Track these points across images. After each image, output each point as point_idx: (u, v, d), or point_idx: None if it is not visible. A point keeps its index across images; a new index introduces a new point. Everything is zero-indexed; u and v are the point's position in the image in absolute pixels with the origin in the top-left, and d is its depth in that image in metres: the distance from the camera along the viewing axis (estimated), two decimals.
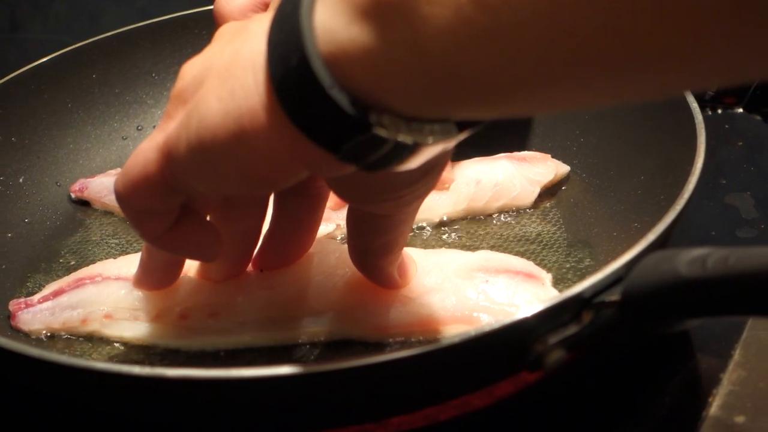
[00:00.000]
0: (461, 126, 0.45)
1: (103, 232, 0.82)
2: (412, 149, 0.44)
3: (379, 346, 0.64)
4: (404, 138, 0.43)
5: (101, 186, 0.84)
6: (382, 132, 0.43)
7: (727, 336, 0.66)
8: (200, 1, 0.96)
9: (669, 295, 0.51)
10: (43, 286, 0.73)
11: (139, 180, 0.52)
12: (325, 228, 0.73)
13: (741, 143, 0.90)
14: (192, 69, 0.50)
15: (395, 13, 0.39)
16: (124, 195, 0.53)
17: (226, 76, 0.47)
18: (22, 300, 0.71)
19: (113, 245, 0.80)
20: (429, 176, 0.52)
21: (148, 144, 0.52)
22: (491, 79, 0.39)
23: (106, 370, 0.55)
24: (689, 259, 0.50)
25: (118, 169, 0.86)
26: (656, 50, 0.34)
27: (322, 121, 0.43)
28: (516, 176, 0.78)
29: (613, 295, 0.54)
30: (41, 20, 1.36)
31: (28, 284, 0.76)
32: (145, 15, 1.11)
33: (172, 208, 0.54)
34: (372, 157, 0.44)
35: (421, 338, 0.64)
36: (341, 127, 0.43)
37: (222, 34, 0.52)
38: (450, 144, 0.46)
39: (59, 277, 0.75)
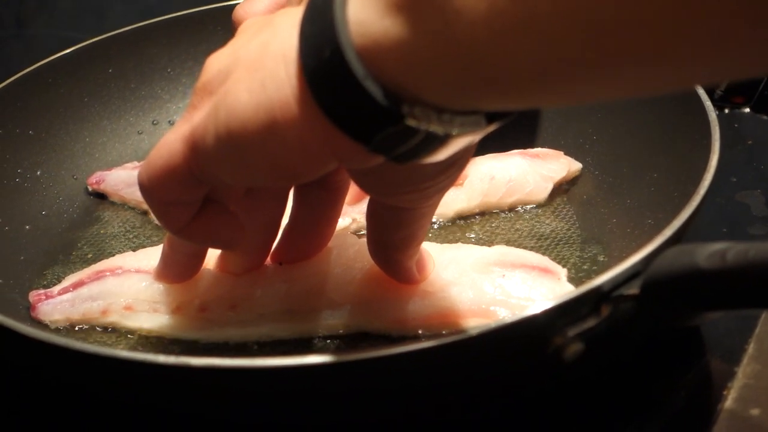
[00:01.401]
0: (490, 118, 0.45)
1: (120, 224, 0.83)
2: (441, 141, 0.45)
3: (396, 339, 0.65)
4: (435, 129, 0.44)
5: (118, 179, 0.85)
6: (413, 123, 0.43)
7: (741, 330, 0.66)
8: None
9: (689, 288, 0.52)
10: (61, 278, 0.74)
11: (163, 171, 0.52)
12: (341, 222, 0.74)
13: (750, 142, 0.90)
14: (218, 62, 0.51)
15: (428, 6, 0.39)
16: (148, 186, 0.54)
17: (256, 68, 0.47)
18: (42, 291, 0.71)
19: (130, 238, 0.81)
20: (452, 169, 0.53)
21: (172, 135, 0.52)
22: (524, 70, 0.39)
23: (131, 358, 0.56)
24: (709, 253, 0.51)
25: (135, 163, 0.87)
26: (690, 41, 0.35)
27: (354, 112, 0.44)
28: (529, 172, 0.79)
29: (632, 289, 0.55)
30: (47, 16, 1.36)
31: (46, 275, 0.76)
32: (149, 11, 1.11)
33: (196, 199, 0.55)
34: (402, 148, 0.45)
35: (438, 332, 0.64)
36: (373, 118, 0.44)
37: (246, 29, 0.53)
38: (478, 136, 0.47)
39: (77, 268, 0.76)
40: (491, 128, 0.46)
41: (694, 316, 0.54)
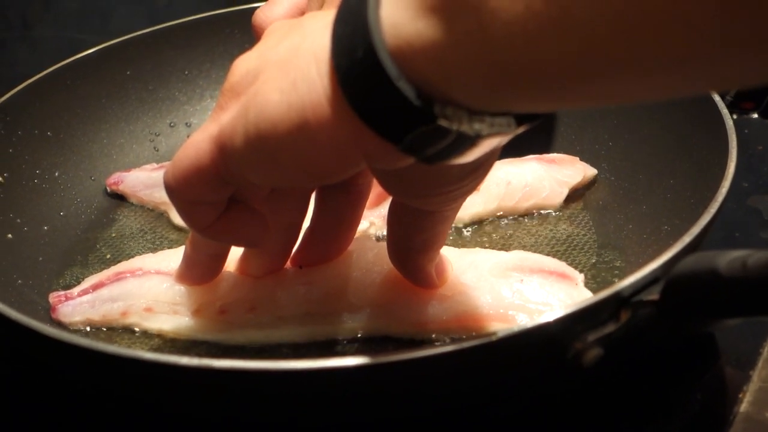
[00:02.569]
0: (520, 120, 0.46)
1: (137, 226, 0.83)
2: (471, 142, 0.45)
3: (415, 343, 0.65)
4: (466, 130, 0.44)
5: (136, 180, 0.85)
6: (445, 123, 0.44)
7: (755, 334, 0.67)
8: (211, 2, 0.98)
9: (708, 294, 0.52)
10: (80, 279, 0.75)
11: (190, 171, 0.53)
12: (359, 226, 0.74)
13: (761, 147, 0.91)
14: (245, 63, 0.51)
15: (463, 7, 0.40)
16: (174, 186, 0.54)
17: (287, 69, 0.47)
18: (62, 293, 0.72)
19: (148, 239, 0.81)
20: (478, 172, 0.53)
21: (200, 135, 0.53)
22: (558, 73, 0.39)
23: (154, 360, 0.56)
24: (729, 260, 0.51)
25: (154, 164, 0.87)
26: (725, 43, 0.35)
27: (386, 112, 0.44)
28: (545, 177, 0.80)
29: (652, 295, 0.55)
30: (53, 19, 1.36)
31: (65, 276, 0.77)
32: (155, 15, 1.12)
33: (222, 199, 0.55)
34: (432, 149, 0.45)
35: (456, 335, 0.65)
36: (406, 119, 0.44)
37: (273, 31, 0.53)
38: (507, 138, 0.47)
39: (96, 270, 0.77)
40: (521, 130, 0.46)
41: (714, 322, 0.55)
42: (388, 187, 0.55)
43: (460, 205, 0.59)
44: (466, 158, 0.47)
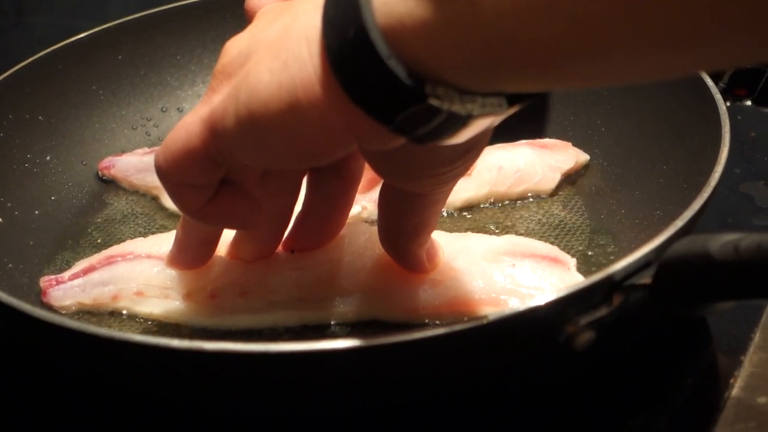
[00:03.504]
0: (511, 100, 0.46)
1: (128, 210, 0.83)
2: (462, 122, 0.45)
3: (407, 328, 0.65)
4: (457, 109, 0.44)
5: (128, 165, 0.85)
6: (436, 103, 0.43)
7: (747, 319, 0.67)
8: None
9: (701, 278, 0.52)
10: (71, 263, 0.74)
11: (181, 154, 0.53)
12: (351, 210, 0.74)
13: (753, 134, 0.91)
14: (237, 44, 0.51)
15: None
16: (165, 169, 0.54)
17: (278, 49, 0.47)
18: (52, 277, 0.71)
19: (140, 224, 0.81)
20: (469, 154, 0.53)
21: (191, 118, 0.52)
22: (549, 51, 0.39)
23: (144, 342, 0.55)
24: (721, 243, 0.51)
25: (146, 149, 0.87)
26: (716, 22, 0.35)
27: (377, 92, 0.44)
28: (537, 163, 0.79)
29: (644, 278, 0.55)
30: (47, 6, 1.36)
31: (56, 261, 0.77)
32: (149, 1, 1.11)
33: (213, 182, 0.55)
34: (423, 129, 0.45)
35: (448, 320, 0.64)
36: (396, 98, 0.44)
37: (265, 14, 0.53)
38: (499, 118, 0.47)
39: (87, 254, 0.76)
40: (513, 110, 0.46)
41: (706, 306, 0.54)
42: (378, 169, 0.55)
43: (451, 188, 0.59)
44: (457, 139, 0.47)
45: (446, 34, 0.41)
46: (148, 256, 0.70)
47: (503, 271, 0.66)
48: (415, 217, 0.60)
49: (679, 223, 0.59)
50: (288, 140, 0.48)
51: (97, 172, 0.87)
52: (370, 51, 0.43)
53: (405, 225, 0.61)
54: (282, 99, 0.46)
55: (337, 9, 0.44)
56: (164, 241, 0.70)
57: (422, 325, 0.65)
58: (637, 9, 0.36)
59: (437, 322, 0.65)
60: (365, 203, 0.76)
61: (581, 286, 0.54)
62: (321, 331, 0.66)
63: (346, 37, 0.43)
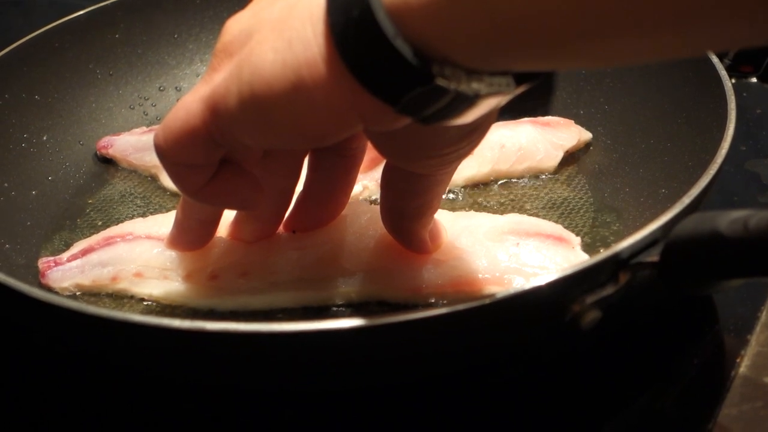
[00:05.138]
0: (518, 79, 0.45)
1: (127, 190, 0.82)
2: (469, 102, 0.45)
3: (410, 308, 0.64)
4: (464, 89, 0.43)
5: (126, 144, 0.84)
6: (443, 83, 0.43)
7: (753, 298, 0.67)
8: None
9: (709, 255, 0.51)
10: (69, 244, 0.74)
11: (181, 133, 0.52)
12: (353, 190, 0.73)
13: (759, 111, 0.91)
14: (238, 23, 0.50)
15: None
16: (164, 148, 0.53)
17: (282, 28, 0.46)
18: (51, 258, 0.71)
19: (138, 204, 0.80)
20: (474, 134, 0.52)
21: (191, 97, 0.51)
22: (556, 29, 0.39)
23: (145, 323, 0.55)
24: (730, 220, 0.50)
25: (144, 128, 0.86)
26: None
27: (383, 72, 0.43)
28: (540, 140, 0.79)
29: (652, 256, 0.55)
30: None
31: (53, 241, 0.76)
32: None
33: (213, 162, 0.54)
34: (430, 109, 0.44)
35: (451, 299, 0.64)
36: (403, 78, 0.43)
37: None
38: (506, 98, 0.46)
39: (85, 234, 0.76)
40: (520, 89, 0.46)
41: (714, 283, 0.54)
42: (382, 149, 0.54)
43: (455, 169, 0.58)
44: (464, 119, 0.47)
45: (453, 12, 0.40)
46: (148, 237, 0.69)
47: (507, 250, 0.65)
48: (419, 198, 0.59)
49: (686, 200, 0.58)
50: (292, 120, 0.47)
51: (95, 152, 0.86)
52: (376, 31, 0.42)
53: (408, 206, 0.60)
54: (286, 78, 0.45)
55: None
56: (164, 222, 0.70)
57: (426, 305, 0.64)
58: None
59: (441, 301, 0.64)
60: (366, 182, 0.75)
61: (588, 264, 0.54)
62: (323, 312, 0.65)
63: (350, 17, 0.43)
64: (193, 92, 0.52)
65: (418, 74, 0.42)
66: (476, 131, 0.52)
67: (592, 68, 0.83)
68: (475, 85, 0.44)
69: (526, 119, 0.81)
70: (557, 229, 0.68)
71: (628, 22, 0.37)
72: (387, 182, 0.60)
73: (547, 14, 0.38)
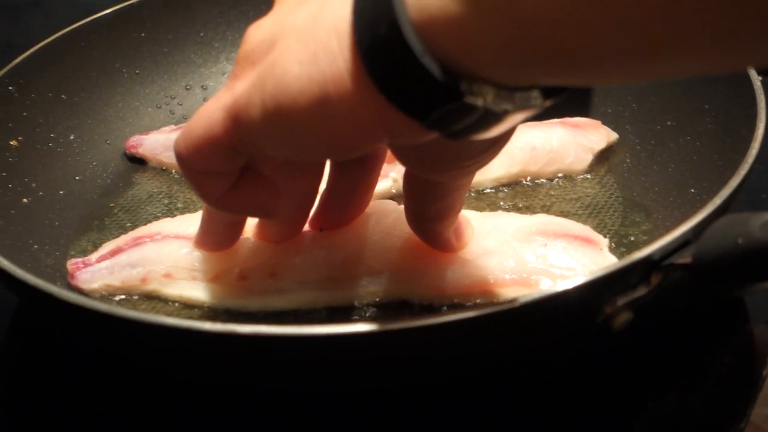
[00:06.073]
0: (546, 94, 0.44)
1: (154, 190, 0.82)
2: (497, 117, 0.44)
3: (436, 308, 0.64)
4: (493, 106, 0.43)
5: (156, 143, 0.84)
6: (472, 100, 0.42)
7: None
8: None
9: (742, 257, 0.51)
10: (98, 244, 0.74)
11: (202, 141, 0.51)
12: (381, 184, 0.73)
13: None
14: (261, 31, 0.49)
15: None
16: (185, 156, 0.53)
17: (306, 39, 0.45)
18: (80, 260, 0.71)
19: (165, 203, 0.81)
20: (496, 146, 0.52)
21: (213, 104, 0.51)
22: (588, 46, 0.37)
23: (176, 326, 0.54)
24: (762, 222, 0.50)
25: (173, 126, 0.87)
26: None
27: (411, 89, 0.42)
28: (570, 143, 0.79)
29: (684, 258, 0.54)
30: None
31: (81, 242, 0.76)
32: None
33: (234, 170, 0.54)
34: (458, 125, 0.44)
35: (478, 300, 0.64)
36: (431, 96, 0.42)
37: None
38: (534, 112, 0.45)
39: (113, 235, 0.76)
40: (548, 104, 0.45)
41: (747, 285, 0.53)
42: (404, 160, 0.54)
43: (474, 176, 0.58)
44: (491, 133, 0.46)
45: (482, 30, 0.39)
46: (176, 237, 0.69)
47: (535, 251, 0.65)
48: (438, 202, 0.59)
49: (717, 201, 0.58)
50: (316, 134, 0.46)
51: (123, 151, 0.86)
52: (404, 48, 0.41)
53: (429, 210, 0.60)
54: (312, 92, 0.45)
55: (368, 2, 0.43)
56: (192, 221, 0.70)
57: (453, 305, 0.64)
58: (688, 9, 0.34)
59: (467, 302, 0.64)
60: (394, 174, 0.75)
61: (619, 266, 0.53)
62: (349, 312, 0.65)
63: (377, 33, 0.42)
64: (216, 99, 0.51)
65: (447, 91, 0.42)
66: (498, 143, 0.52)
67: (624, 84, 0.82)
68: (504, 102, 0.43)
69: (556, 120, 0.81)
70: (585, 230, 0.67)
71: (666, 43, 0.36)
72: (408, 187, 0.60)
73: (578, 32, 0.37)
